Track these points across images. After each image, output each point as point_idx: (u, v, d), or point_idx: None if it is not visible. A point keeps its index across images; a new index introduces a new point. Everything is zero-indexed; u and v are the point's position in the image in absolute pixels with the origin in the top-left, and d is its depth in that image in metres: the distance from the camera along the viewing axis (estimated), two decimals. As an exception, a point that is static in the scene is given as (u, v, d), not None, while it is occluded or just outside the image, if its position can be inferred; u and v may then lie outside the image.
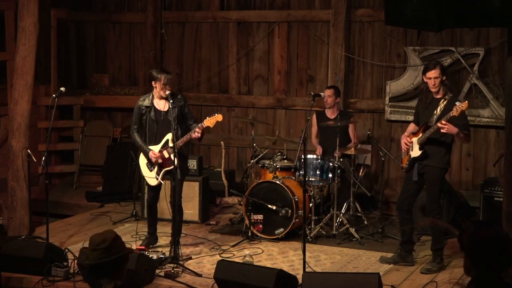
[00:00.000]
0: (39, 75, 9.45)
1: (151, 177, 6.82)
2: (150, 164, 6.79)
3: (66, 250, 6.42)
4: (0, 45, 9.15)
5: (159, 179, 6.76)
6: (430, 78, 6.28)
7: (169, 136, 6.68)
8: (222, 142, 9.08)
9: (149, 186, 6.93)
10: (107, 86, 10.12)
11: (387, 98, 8.63)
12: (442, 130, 6.07)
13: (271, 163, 7.76)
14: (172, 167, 6.49)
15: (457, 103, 6.02)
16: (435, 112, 6.29)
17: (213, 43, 9.62)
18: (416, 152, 6.39)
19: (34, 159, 7.29)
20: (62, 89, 6.97)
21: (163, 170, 6.75)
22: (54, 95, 6.89)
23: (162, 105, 6.76)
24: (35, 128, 9.44)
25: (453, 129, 6.09)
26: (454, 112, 5.95)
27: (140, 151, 6.85)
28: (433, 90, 6.31)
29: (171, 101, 6.54)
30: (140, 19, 9.91)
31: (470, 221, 3.29)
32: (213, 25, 9.59)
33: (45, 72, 9.98)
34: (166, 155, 6.70)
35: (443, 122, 6.03)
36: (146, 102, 6.76)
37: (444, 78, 6.29)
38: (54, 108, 6.74)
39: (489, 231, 3.19)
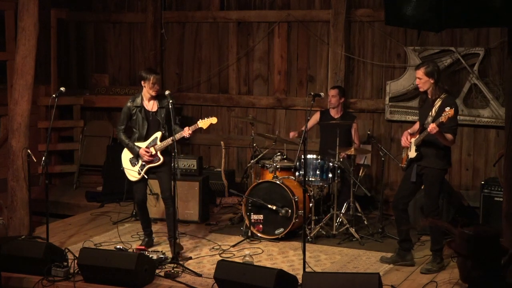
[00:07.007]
0: (39, 75, 9.43)
1: (133, 171, 6.88)
2: (135, 159, 6.90)
3: (66, 250, 6.44)
4: (0, 45, 9.15)
5: (142, 173, 6.85)
6: (416, 77, 6.35)
7: (157, 134, 6.83)
8: (222, 142, 9.08)
9: (134, 187, 6.98)
10: (107, 86, 10.11)
11: (387, 98, 8.63)
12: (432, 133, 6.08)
13: (271, 163, 7.76)
14: (157, 164, 6.80)
15: (446, 108, 6.00)
16: (430, 113, 6.30)
17: (213, 43, 9.61)
18: (412, 153, 6.44)
19: (34, 159, 7.30)
20: (62, 89, 6.97)
21: (147, 166, 6.83)
22: (54, 95, 6.89)
23: (150, 106, 6.90)
24: (35, 128, 9.44)
25: (438, 135, 6.13)
26: (443, 118, 5.97)
27: (127, 149, 6.94)
28: (420, 89, 6.38)
29: (166, 93, 6.69)
30: (140, 19, 9.90)
31: (465, 222, 3.28)
32: (213, 25, 9.59)
33: (45, 72, 9.97)
34: (153, 152, 6.79)
35: (434, 126, 6.02)
36: (137, 102, 6.89)
37: (432, 81, 6.27)
38: (54, 108, 6.74)
39: (478, 231, 3.19)
